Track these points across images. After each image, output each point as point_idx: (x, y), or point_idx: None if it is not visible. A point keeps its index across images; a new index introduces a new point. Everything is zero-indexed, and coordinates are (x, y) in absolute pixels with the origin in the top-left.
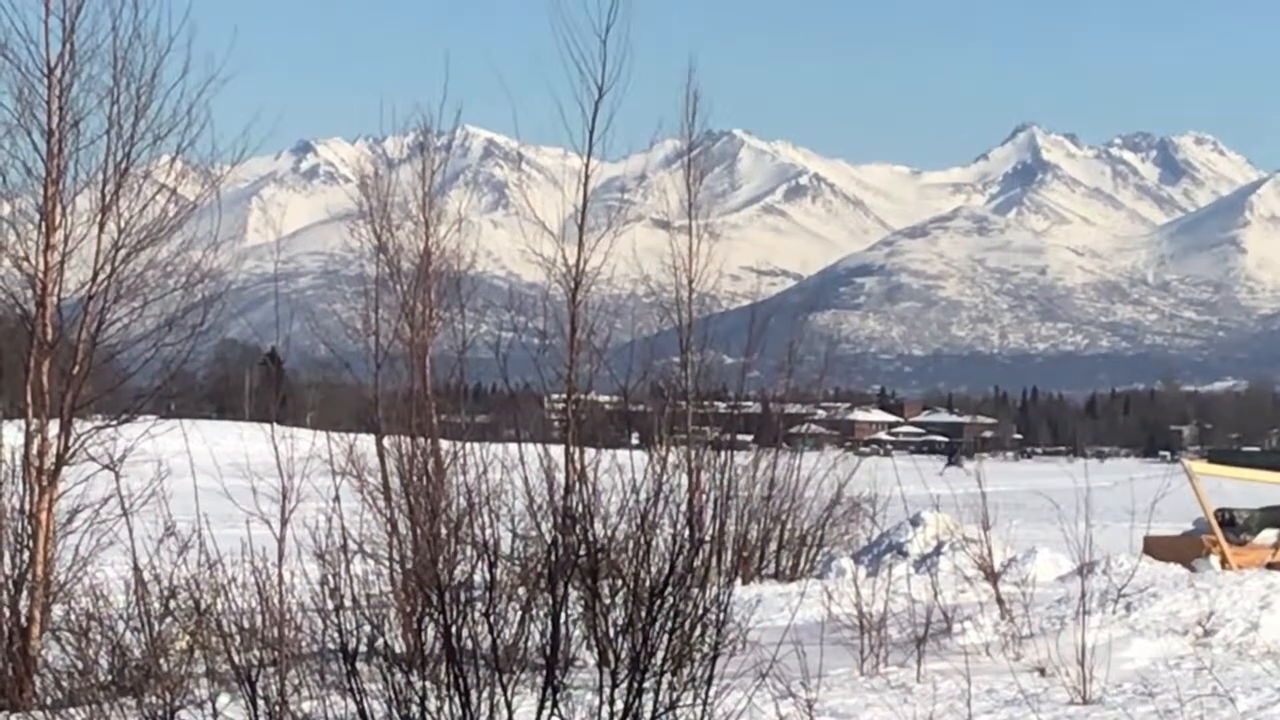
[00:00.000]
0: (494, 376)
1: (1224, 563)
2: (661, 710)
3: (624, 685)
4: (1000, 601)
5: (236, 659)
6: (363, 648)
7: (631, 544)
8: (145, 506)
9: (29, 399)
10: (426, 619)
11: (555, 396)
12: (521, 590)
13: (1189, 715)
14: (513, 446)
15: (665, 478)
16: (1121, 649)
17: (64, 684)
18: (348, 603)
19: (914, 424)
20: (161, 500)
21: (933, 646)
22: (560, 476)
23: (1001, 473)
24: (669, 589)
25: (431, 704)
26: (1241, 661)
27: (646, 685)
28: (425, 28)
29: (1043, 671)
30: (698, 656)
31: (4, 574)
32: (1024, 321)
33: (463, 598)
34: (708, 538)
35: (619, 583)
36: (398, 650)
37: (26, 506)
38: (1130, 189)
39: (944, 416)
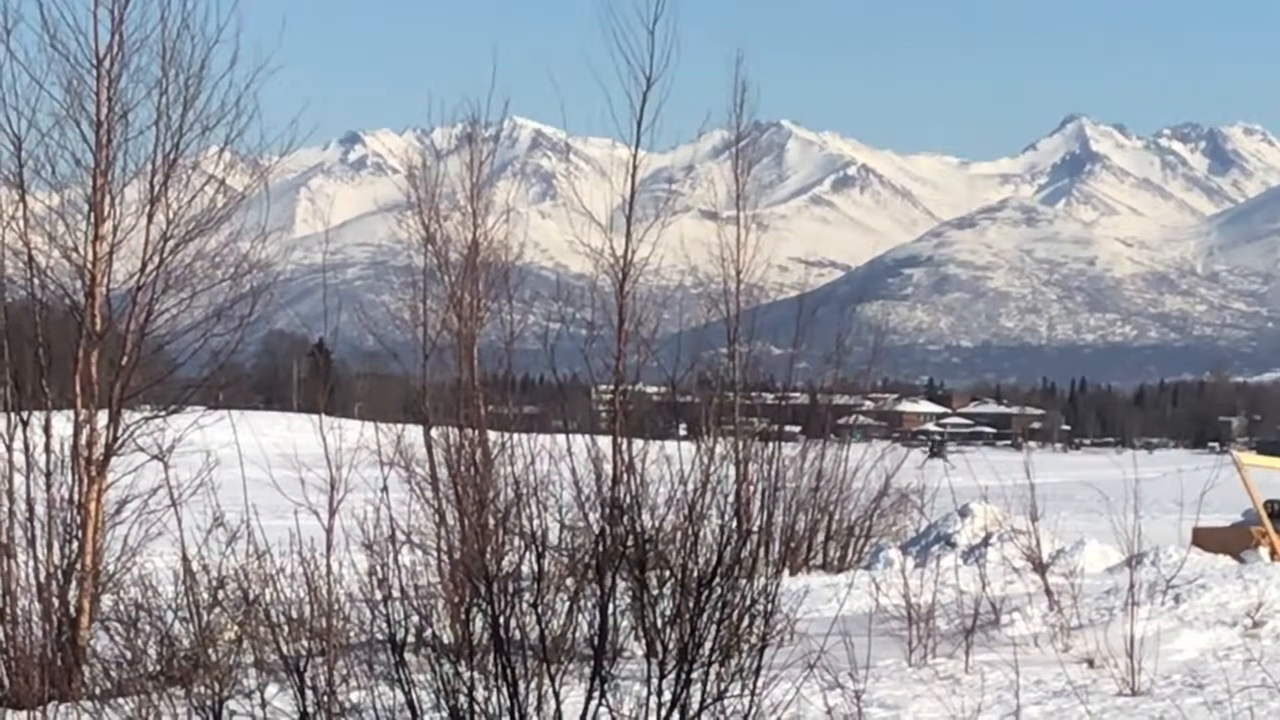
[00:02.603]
0: (542, 367)
1: (1273, 554)
2: (709, 701)
3: (672, 676)
4: (1049, 593)
5: (285, 649)
6: (411, 638)
7: (679, 535)
8: (194, 497)
9: (78, 389)
10: (474, 610)
11: (603, 387)
12: (569, 581)
13: (1238, 706)
14: (560, 437)
15: (713, 469)
16: (1170, 640)
17: (113, 674)
18: (396, 593)
19: (962, 415)
20: (210, 491)
21: (981, 638)
22: (608, 467)
23: (1050, 464)
24: (717, 580)
25: (479, 694)
26: None
27: (694, 676)
28: (473, 19)
29: (1091, 663)
30: (745, 647)
31: (53, 564)
32: (1072, 312)
33: (510, 588)
34: (755, 529)
35: (667, 574)
36: (446, 641)
37: (75, 497)
38: (1179, 180)
39: (992, 408)
